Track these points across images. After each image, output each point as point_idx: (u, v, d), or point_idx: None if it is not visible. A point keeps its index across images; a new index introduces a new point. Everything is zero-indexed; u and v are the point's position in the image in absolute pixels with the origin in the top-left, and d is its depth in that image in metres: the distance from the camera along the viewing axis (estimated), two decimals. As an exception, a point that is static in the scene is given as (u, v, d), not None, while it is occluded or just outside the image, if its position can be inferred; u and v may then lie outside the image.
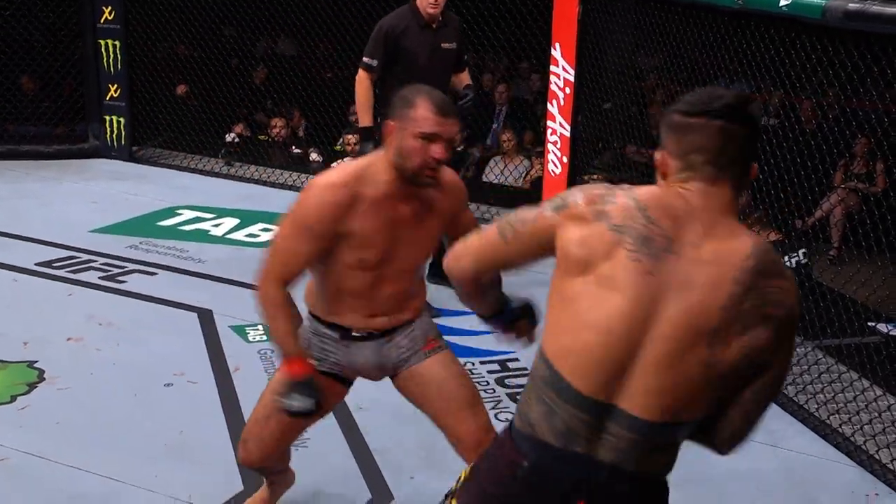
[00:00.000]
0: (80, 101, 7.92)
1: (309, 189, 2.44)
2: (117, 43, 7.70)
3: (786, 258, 5.80)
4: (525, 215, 1.80)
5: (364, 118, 4.48)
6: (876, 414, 4.06)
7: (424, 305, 2.81)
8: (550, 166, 6.36)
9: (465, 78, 5.06)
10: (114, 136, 7.93)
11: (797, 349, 4.57)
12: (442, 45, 4.40)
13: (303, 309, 2.68)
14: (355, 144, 4.75)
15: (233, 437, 3.65)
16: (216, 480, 3.47)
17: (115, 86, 7.83)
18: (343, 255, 2.44)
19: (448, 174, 2.60)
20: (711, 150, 1.54)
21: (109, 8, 7.60)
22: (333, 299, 2.57)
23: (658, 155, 1.65)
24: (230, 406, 4.00)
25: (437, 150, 2.29)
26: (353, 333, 2.58)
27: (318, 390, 2.55)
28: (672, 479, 1.85)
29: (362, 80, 4.39)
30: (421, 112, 2.28)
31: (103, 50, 7.71)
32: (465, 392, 2.66)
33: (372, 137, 4.34)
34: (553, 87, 6.28)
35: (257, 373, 4.27)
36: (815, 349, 4.63)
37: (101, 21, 7.65)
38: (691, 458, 2.20)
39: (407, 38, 4.30)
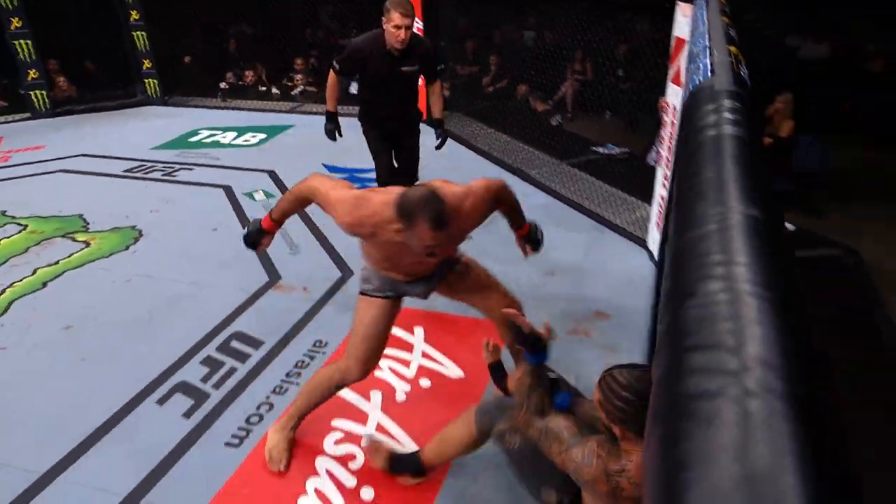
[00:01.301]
0: (129, 73, 8.05)
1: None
2: (144, 34, 7.79)
3: (551, 120, 6.64)
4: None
5: (328, 105, 3.87)
6: (600, 195, 4.65)
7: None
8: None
9: (437, 101, 3.88)
10: (152, 92, 8.14)
11: (561, 167, 5.37)
12: (402, 68, 3.61)
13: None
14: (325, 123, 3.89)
15: (258, 253, 3.85)
16: (259, 279, 3.75)
17: (147, 60, 7.99)
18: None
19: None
20: None
21: (135, 11, 7.68)
22: (380, 267, 2.23)
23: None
24: None
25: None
26: (403, 281, 2.26)
27: None
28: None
29: (330, 77, 3.76)
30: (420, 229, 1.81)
31: (136, 40, 7.80)
32: (487, 278, 2.38)
33: (333, 119, 3.87)
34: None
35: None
36: (567, 166, 5.28)
37: (130, 20, 7.74)
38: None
39: (371, 60, 3.58)
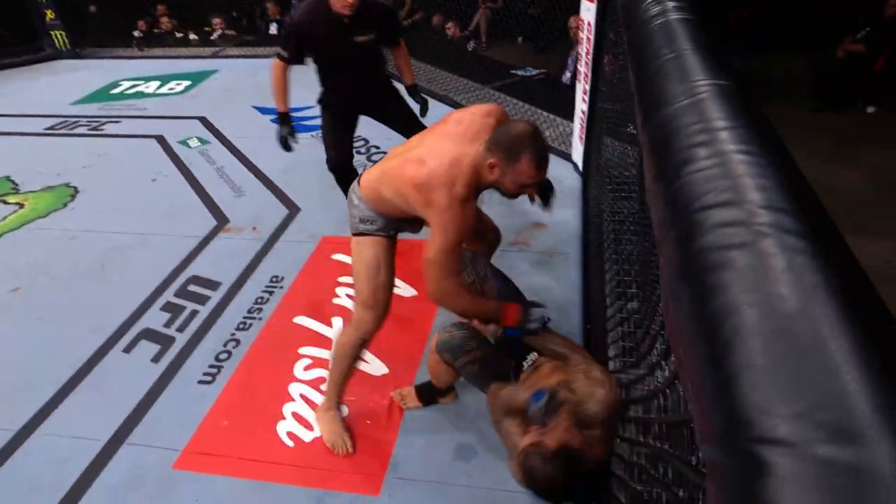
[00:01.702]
0: (32, 26, 7.32)
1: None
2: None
3: (467, 45, 6.52)
4: None
5: (278, 104, 3.03)
6: (523, 115, 4.55)
7: None
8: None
9: (405, 65, 3.18)
10: (60, 45, 7.45)
11: (485, 91, 5.31)
12: (356, 38, 2.82)
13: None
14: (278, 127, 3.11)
15: (203, 199, 3.90)
16: (207, 223, 3.61)
17: (50, 11, 7.26)
18: None
19: None
20: None
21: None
22: (392, 215, 1.97)
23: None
24: (195, 184, 4.09)
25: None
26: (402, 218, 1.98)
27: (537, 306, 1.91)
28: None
29: (275, 68, 2.94)
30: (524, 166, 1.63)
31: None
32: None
33: (286, 122, 3.06)
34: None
35: (202, 164, 4.35)
36: (490, 89, 5.27)
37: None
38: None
39: (317, 30, 2.81)
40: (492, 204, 3.59)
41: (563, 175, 3.90)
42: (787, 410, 0.42)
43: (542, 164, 1.64)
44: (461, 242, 1.74)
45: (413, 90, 3.24)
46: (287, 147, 3.13)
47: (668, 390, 1.02)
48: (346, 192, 3.06)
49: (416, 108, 3.22)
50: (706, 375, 0.50)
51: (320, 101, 3.10)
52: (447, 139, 1.78)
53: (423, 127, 3.07)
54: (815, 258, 0.50)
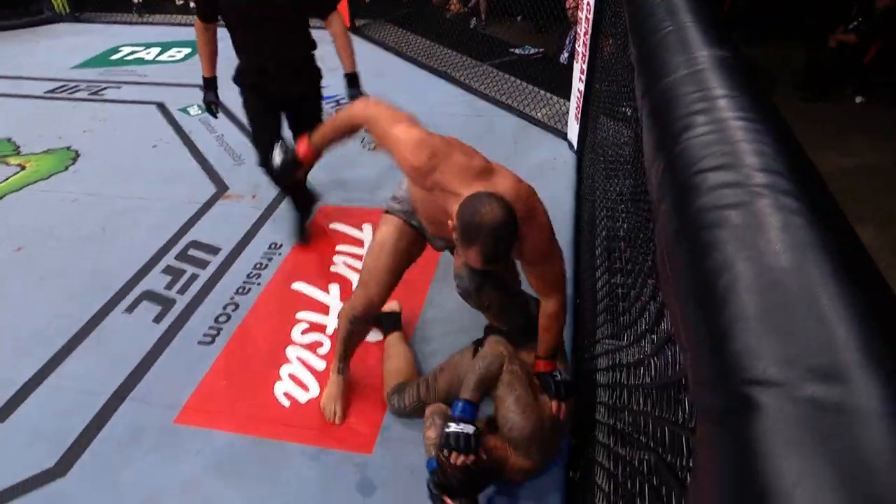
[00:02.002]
0: None
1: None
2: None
3: (469, 23, 6.44)
4: None
5: (203, 67, 2.66)
6: (521, 92, 4.58)
7: None
8: None
9: (343, 46, 2.58)
10: (60, 8, 7.25)
11: (483, 68, 5.26)
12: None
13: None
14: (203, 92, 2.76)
15: (203, 166, 3.85)
16: (207, 190, 3.63)
17: None
18: None
19: None
20: None
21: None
22: (418, 208, 1.84)
23: None
24: (196, 151, 4.05)
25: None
26: (427, 229, 1.90)
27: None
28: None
29: (196, 28, 2.56)
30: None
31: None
32: None
33: (211, 86, 2.69)
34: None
35: (202, 132, 4.27)
36: (488, 67, 5.23)
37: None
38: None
39: None
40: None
41: (559, 153, 3.91)
42: (778, 355, 0.43)
43: (489, 262, 1.46)
44: None
45: (349, 80, 2.62)
46: (212, 112, 2.78)
47: (655, 357, 1.04)
48: (296, 199, 2.95)
49: (345, 100, 2.69)
50: (701, 327, 0.51)
51: (235, 79, 2.61)
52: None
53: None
54: (809, 218, 0.51)
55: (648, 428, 1.07)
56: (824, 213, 0.52)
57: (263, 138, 2.61)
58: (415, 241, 1.93)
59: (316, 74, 2.72)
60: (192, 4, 2.40)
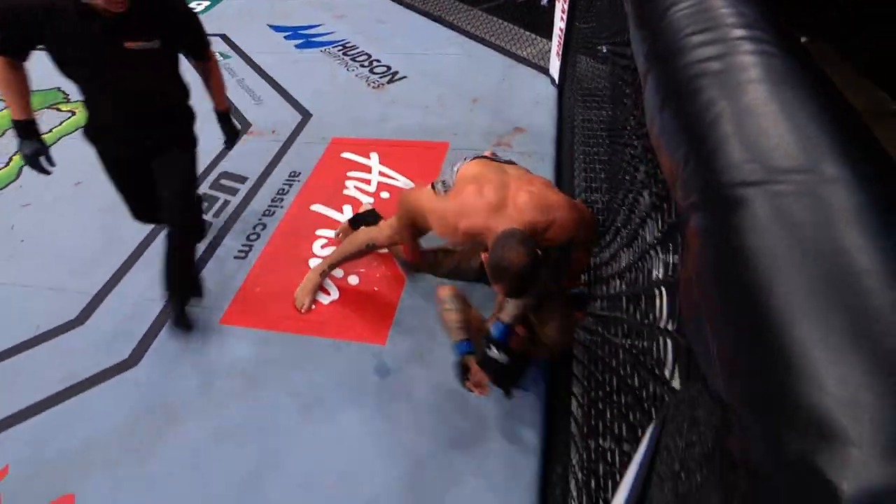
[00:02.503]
0: None
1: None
2: None
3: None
4: None
5: (13, 110, 1.81)
6: (508, 33, 4.36)
7: None
8: None
9: (215, 85, 2.10)
10: None
11: (473, 12, 5.00)
12: (126, 44, 1.65)
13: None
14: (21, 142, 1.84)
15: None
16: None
17: None
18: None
19: None
20: None
21: None
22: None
23: None
24: None
25: None
26: None
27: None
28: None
29: None
30: None
31: None
32: None
33: (30, 134, 1.83)
34: None
35: (225, 76, 4.22)
36: (479, 11, 4.93)
37: None
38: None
39: (55, 29, 1.61)
40: (477, 108, 3.58)
41: (541, 88, 3.86)
42: (759, 162, 0.43)
43: (511, 295, 1.52)
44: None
45: (221, 116, 2.14)
46: (38, 167, 1.88)
47: (637, 265, 1.01)
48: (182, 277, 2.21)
49: (220, 139, 2.20)
50: (690, 154, 0.50)
51: (85, 134, 1.93)
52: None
53: (188, 199, 2.09)
54: (786, 59, 0.50)
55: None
56: (798, 55, 0.52)
57: (136, 207, 2.24)
58: None
59: (186, 119, 2.05)
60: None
